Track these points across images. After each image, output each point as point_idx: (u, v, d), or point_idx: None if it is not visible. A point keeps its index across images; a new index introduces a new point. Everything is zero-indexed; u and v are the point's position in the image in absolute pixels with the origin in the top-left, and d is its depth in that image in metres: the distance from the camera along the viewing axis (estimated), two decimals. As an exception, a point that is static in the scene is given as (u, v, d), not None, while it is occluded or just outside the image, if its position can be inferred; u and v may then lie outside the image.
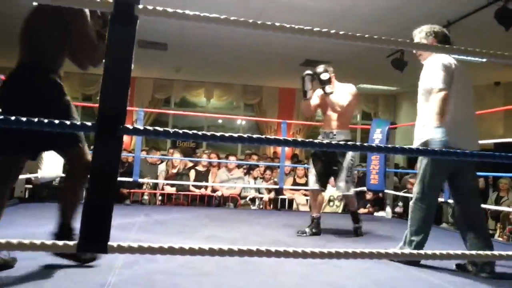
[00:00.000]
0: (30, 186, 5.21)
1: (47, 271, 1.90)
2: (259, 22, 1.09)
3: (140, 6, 0.99)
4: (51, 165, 4.26)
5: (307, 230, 3.40)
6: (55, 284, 1.74)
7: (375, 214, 5.66)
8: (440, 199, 4.61)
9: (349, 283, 2.06)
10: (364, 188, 5.56)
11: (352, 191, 3.50)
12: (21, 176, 4.41)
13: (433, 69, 2.38)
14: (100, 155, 0.98)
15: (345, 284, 2.03)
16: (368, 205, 5.92)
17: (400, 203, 5.55)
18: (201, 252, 1.03)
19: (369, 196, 5.91)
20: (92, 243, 0.92)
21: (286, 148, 7.12)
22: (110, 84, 1.00)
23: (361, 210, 5.75)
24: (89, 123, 1.00)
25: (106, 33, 1.00)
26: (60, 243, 0.92)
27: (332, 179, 3.61)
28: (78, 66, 2.18)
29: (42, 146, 2.05)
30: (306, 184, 6.14)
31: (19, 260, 1.95)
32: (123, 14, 0.98)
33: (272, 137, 1.13)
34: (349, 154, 3.45)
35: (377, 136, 5.11)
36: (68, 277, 1.84)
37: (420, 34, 2.59)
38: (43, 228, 3.01)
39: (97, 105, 1.01)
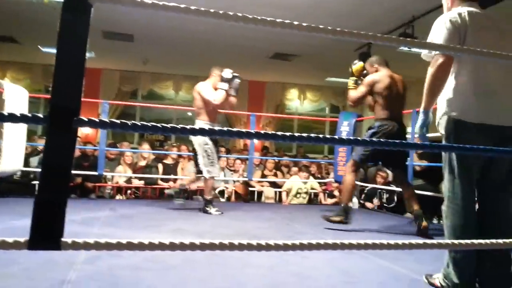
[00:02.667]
0: (-11, 181, 5.00)
1: (4, 268, 1.83)
2: (231, 14, 1.06)
3: (94, -7, 0.95)
4: (11, 159, 4.09)
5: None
6: (12, 282, 1.67)
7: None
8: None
9: (316, 273, 2.08)
10: (332, 179, 5.65)
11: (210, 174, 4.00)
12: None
13: (433, 31, 1.87)
14: (53, 148, 0.94)
15: (311, 274, 2.06)
16: (337, 195, 6.01)
17: (376, 200, 5.53)
18: (161, 246, 1.01)
19: (335, 186, 6.00)
20: (43, 240, 0.89)
21: (256, 141, 7.13)
22: (63, 75, 0.95)
23: (328, 201, 5.84)
24: (41, 115, 0.95)
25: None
26: (10, 240, 0.88)
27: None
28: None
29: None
30: (274, 176, 6.19)
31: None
32: (75, 2, 0.94)
33: (234, 129, 1.12)
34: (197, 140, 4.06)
35: (345, 129, 5.19)
36: (26, 273, 1.78)
37: None
38: (1, 223, 2.91)
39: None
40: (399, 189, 5.47)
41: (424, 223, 3.13)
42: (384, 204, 5.43)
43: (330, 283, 1.95)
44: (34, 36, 7.22)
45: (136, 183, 5.76)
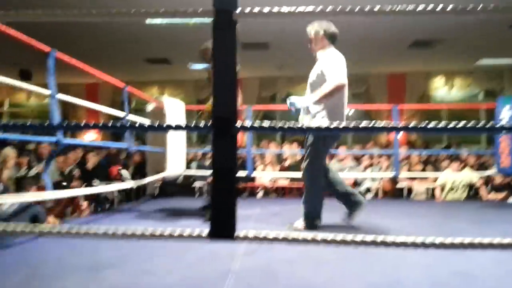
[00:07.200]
0: (159, 184, 5.77)
1: (179, 258, 2.12)
2: (355, 10, 1.07)
3: (238, 11, 1.04)
4: (175, 164, 4.66)
5: None
6: (186, 270, 1.93)
7: (510, 200, 5.10)
8: None
9: (481, 273, 1.90)
10: (493, 172, 5.06)
11: None
12: (152, 177, 4.92)
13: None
14: (219, 153, 1.06)
15: (476, 274, 1.89)
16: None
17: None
18: (316, 241, 1.05)
19: (499, 180, 5.32)
20: (221, 232, 1.01)
21: (400, 135, 6.80)
22: (220, 87, 1.08)
23: (491, 196, 5.24)
24: (204, 125, 1.09)
25: None
26: (195, 233, 1.02)
27: None
28: None
29: None
30: (422, 171, 5.80)
31: (150, 248, 2.22)
32: (223, 21, 1.05)
33: (381, 123, 1.11)
34: None
35: (505, 115, 4.59)
36: (197, 263, 2.03)
37: (313, 30, 3.03)
38: (171, 220, 3.35)
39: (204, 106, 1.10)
40: None
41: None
42: None
43: (502, 285, 1.77)
44: (183, 55, 8.11)
45: (281, 183, 6.01)
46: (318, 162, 2.93)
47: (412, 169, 5.94)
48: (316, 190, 2.91)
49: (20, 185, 4.08)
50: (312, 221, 2.91)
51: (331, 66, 2.88)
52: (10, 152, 5.26)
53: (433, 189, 5.59)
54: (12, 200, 3.09)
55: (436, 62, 8.77)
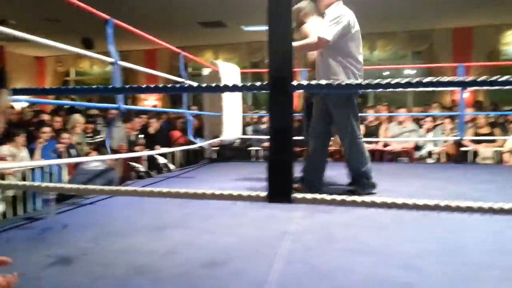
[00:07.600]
0: (217, 148, 5.91)
1: (236, 219, 2.18)
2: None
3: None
4: (231, 128, 4.73)
5: None
6: (243, 230, 1.99)
7: None
8: None
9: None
10: None
11: None
12: (210, 141, 5.05)
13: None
14: (276, 113, 1.05)
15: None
16: None
17: None
18: (374, 205, 1.02)
19: None
20: (278, 194, 1.01)
21: (466, 96, 6.40)
22: (276, 46, 1.05)
23: None
24: (260, 84, 1.08)
25: None
26: (253, 193, 1.03)
27: None
28: None
29: None
30: (490, 134, 5.46)
31: (210, 210, 2.29)
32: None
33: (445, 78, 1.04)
34: None
35: None
36: (254, 224, 2.08)
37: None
38: (229, 183, 3.44)
39: (263, 70, 1.08)
40: None
41: None
42: None
43: None
44: (237, 17, 8.02)
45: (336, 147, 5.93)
46: (351, 124, 2.77)
47: (479, 132, 5.59)
48: (359, 152, 2.79)
49: (98, 149, 4.39)
50: (366, 182, 2.80)
51: (326, 22, 2.69)
52: (79, 118, 5.61)
53: (501, 153, 5.25)
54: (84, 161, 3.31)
55: (509, 14, 8.01)
